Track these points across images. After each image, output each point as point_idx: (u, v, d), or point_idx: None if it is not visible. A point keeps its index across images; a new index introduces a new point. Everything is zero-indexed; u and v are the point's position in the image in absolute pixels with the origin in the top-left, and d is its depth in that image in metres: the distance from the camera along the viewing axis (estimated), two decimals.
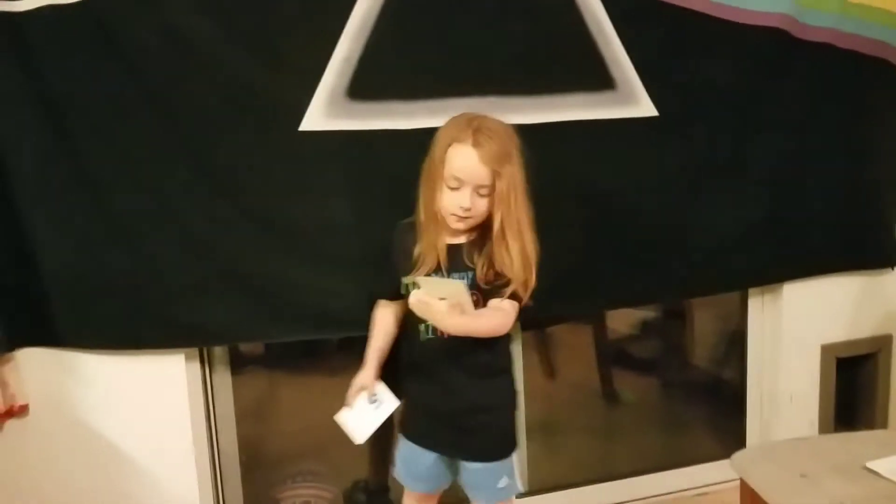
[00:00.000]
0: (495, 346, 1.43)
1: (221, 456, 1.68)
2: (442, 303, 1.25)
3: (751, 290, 2.01)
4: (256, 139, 1.48)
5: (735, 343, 2.10)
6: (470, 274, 1.38)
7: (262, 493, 1.76)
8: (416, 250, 1.39)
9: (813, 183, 1.88)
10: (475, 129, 1.34)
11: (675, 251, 1.78)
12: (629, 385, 2.15)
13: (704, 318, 2.19)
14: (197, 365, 1.60)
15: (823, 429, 2.01)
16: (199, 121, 1.46)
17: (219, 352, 1.66)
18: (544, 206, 1.54)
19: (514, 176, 1.36)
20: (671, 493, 1.99)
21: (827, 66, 1.82)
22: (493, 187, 1.34)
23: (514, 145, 1.37)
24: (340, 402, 1.81)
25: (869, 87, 1.88)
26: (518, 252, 1.36)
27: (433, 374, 1.42)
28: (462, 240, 1.41)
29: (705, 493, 1.98)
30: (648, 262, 1.76)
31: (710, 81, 1.72)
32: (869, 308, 2.04)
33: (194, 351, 1.59)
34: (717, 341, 2.21)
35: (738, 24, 1.71)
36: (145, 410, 1.54)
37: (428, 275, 1.36)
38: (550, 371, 2.02)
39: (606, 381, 2.13)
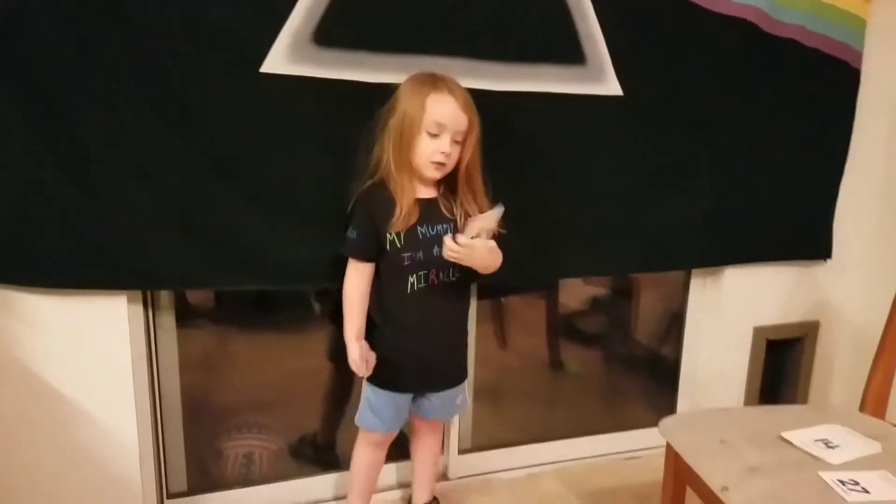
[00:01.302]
0: (466, 291, 1.57)
1: (164, 403, 1.63)
2: (485, 241, 1.39)
3: (694, 272, 2.05)
4: (216, 78, 1.40)
5: (676, 322, 2.15)
6: (452, 224, 1.47)
7: (205, 443, 1.73)
8: (397, 208, 1.42)
9: (762, 174, 1.90)
10: (445, 81, 1.42)
11: (629, 229, 1.80)
12: (575, 357, 2.18)
13: (649, 297, 2.22)
14: (140, 308, 1.53)
15: (749, 404, 2.06)
16: (157, 55, 1.36)
17: (164, 297, 1.59)
18: (504, 174, 1.57)
19: (479, 129, 1.46)
20: (606, 454, 2.04)
21: (790, 62, 1.84)
22: (466, 135, 1.43)
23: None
24: (291, 356, 1.82)
25: (826, 85, 1.91)
26: (482, 198, 1.48)
27: (421, 322, 1.49)
28: (433, 194, 1.49)
29: (638, 457, 2.04)
30: (603, 238, 1.77)
31: (677, 66, 1.73)
32: (800, 295, 2.10)
33: (138, 294, 1.51)
34: (659, 319, 2.24)
35: (713, 12, 1.71)
36: (85, 352, 1.46)
37: (418, 226, 1.43)
38: (502, 340, 2.04)
39: (554, 351, 2.16)
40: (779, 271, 2.05)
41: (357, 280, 1.48)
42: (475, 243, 1.38)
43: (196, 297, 1.72)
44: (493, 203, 1.46)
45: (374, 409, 1.54)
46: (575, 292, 2.16)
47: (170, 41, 1.37)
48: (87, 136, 1.36)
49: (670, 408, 2.16)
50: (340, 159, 1.50)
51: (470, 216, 1.46)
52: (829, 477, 1.10)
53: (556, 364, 2.17)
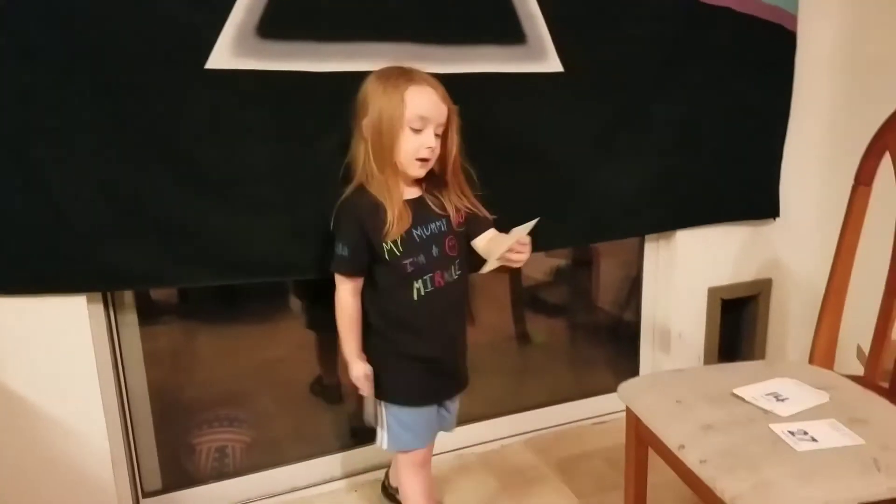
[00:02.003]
0: (467, 286, 1.50)
1: (132, 402, 1.62)
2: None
3: (647, 237, 2.09)
4: (163, 77, 1.38)
5: (636, 287, 2.19)
6: (444, 220, 1.42)
7: (177, 440, 1.72)
8: (388, 214, 1.34)
9: (708, 140, 1.94)
10: (419, 73, 1.38)
11: (581, 201, 1.82)
12: (540, 327, 2.23)
13: (609, 265, 2.27)
14: (101, 308, 1.51)
15: (708, 363, 2.12)
16: (107, 57, 1.34)
17: (126, 295, 1.58)
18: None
19: (457, 117, 1.41)
20: (573, 422, 2.09)
21: (726, 30, 1.86)
22: (446, 127, 1.38)
23: None
24: (259, 348, 1.83)
25: (763, 50, 1.95)
26: (468, 190, 1.45)
27: (434, 326, 1.42)
28: (419, 192, 1.42)
29: (603, 422, 2.09)
30: (556, 212, 1.77)
31: (616, 40, 1.74)
32: (752, 255, 2.15)
33: (97, 294, 1.49)
34: (619, 286, 2.29)
35: None
36: (47, 355, 1.44)
37: (413, 229, 1.37)
38: (470, 317, 2.07)
39: (520, 324, 2.20)
40: (730, 232, 2.10)
41: (352, 298, 1.41)
42: (524, 249, 1.35)
43: (160, 293, 1.71)
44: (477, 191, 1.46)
45: (405, 426, 1.43)
46: (538, 264, 2.18)
47: (113, 40, 1.34)
48: (35, 137, 1.34)
49: (633, 372, 2.20)
50: (293, 150, 1.50)
51: (459, 209, 1.42)
52: (779, 429, 1.15)
53: (522, 336, 2.21)
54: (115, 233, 1.42)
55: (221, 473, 1.75)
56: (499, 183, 1.69)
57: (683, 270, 2.07)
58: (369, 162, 1.36)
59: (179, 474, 1.72)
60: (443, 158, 1.41)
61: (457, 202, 1.43)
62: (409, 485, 1.48)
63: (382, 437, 1.46)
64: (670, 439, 1.20)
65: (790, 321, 2.26)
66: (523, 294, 2.20)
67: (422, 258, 1.38)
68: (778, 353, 2.26)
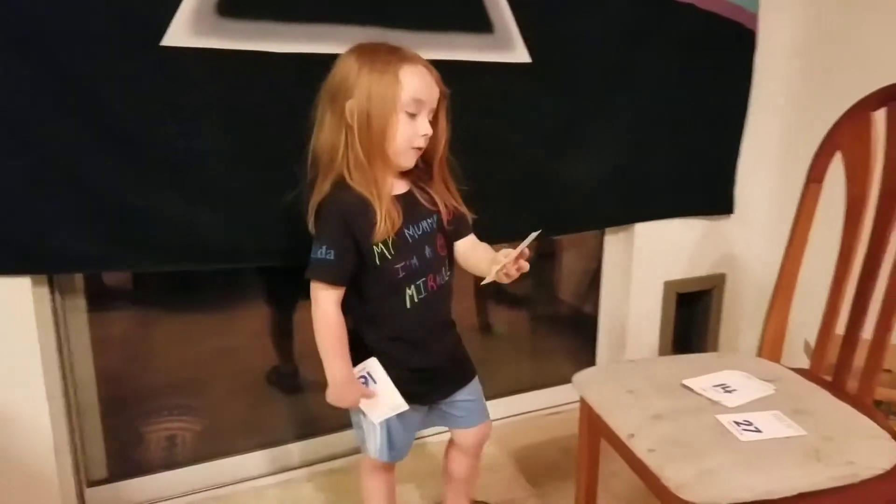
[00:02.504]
0: (452, 285, 1.37)
1: (78, 389, 1.58)
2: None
3: (607, 230, 2.11)
4: (116, 54, 1.33)
5: (596, 280, 2.21)
6: (435, 217, 1.30)
7: (125, 428, 1.69)
8: (378, 212, 1.19)
9: (668, 135, 1.97)
10: (409, 51, 1.23)
11: (543, 193, 1.83)
12: (503, 319, 2.24)
13: (571, 256, 2.29)
14: (46, 291, 1.47)
15: (663, 355, 2.13)
16: (54, 31, 1.29)
17: (74, 279, 1.54)
18: None
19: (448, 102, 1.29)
20: (531, 412, 2.11)
21: (688, 26, 1.89)
22: (436, 112, 1.26)
23: None
24: (212, 336, 1.81)
25: (724, 47, 1.98)
26: (451, 182, 1.34)
27: (426, 334, 1.30)
28: (406, 186, 1.29)
29: (560, 412, 2.11)
30: (521, 203, 1.80)
31: (582, 33, 1.75)
32: (707, 250, 2.19)
33: (42, 278, 1.45)
34: (580, 278, 2.31)
35: None
36: None
37: (405, 229, 1.25)
38: None
39: (482, 315, 2.21)
40: (686, 227, 2.13)
41: (336, 310, 1.22)
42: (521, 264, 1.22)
43: (113, 278, 1.67)
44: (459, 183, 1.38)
45: (388, 437, 1.32)
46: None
47: (60, 14, 1.29)
48: None
49: (591, 363, 2.23)
50: (251, 133, 1.47)
51: (447, 206, 1.31)
52: (725, 419, 1.17)
53: (484, 327, 2.22)
54: (62, 215, 1.37)
55: (170, 462, 1.72)
56: (465, 175, 1.71)
57: (641, 264, 2.09)
58: (353, 152, 1.20)
59: (126, 463, 1.69)
60: (430, 148, 1.27)
61: (445, 197, 1.31)
62: (370, 487, 1.42)
63: (368, 445, 1.34)
64: (621, 429, 1.22)
65: (743, 315, 2.31)
66: (487, 286, 2.20)
67: (415, 261, 1.26)
68: (730, 345, 2.31)
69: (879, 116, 1.31)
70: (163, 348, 1.76)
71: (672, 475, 1.07)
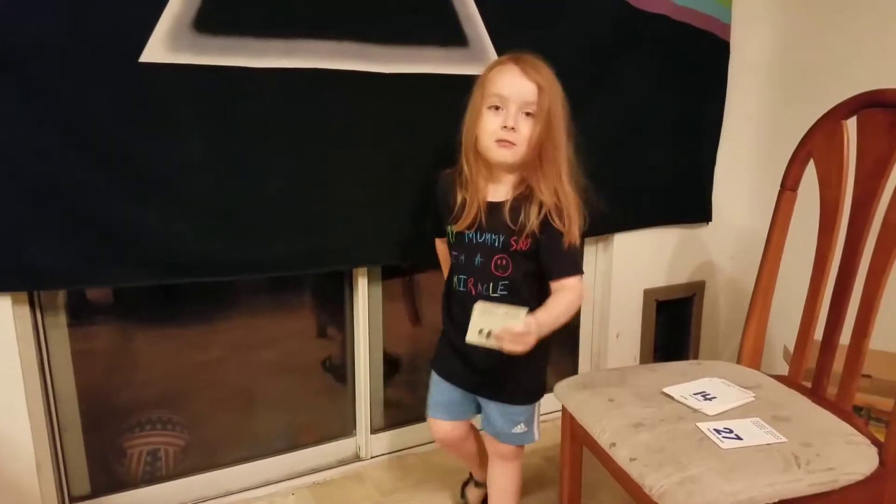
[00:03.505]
0: (523, 301, 1.24)
1: (59, 404, 1.54)
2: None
3: (587, 240, 2.09)
4: (95, 71, 1.31)
5: None
6: (502, 237, 1.29)
7: (108, 443, 1.65)
8: (459, 199, 1.32)
9: (644, 145, 1.95)
10: (517, 55, 1.29)
11: None
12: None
13: None
14: (26, 309, 1.43)
15: (644, 363, 2.13)
16: (34, 49, 1.26)
17: (55, 295, 1.50)
18: (399, 157, 1.60)
19: (560, 105, 1.27)
20: None
21: (661, 36, 1.88)
22: (538, 107, 1.24)
23: (557, 82, 1.29)
24: (195, 349, 1.77)
25: (698, 58, 1.97)
26: (555, 183, 1.26)
27: (459, 319, 1.34)
28: (504, 196, 1.30)
29: (544, 421, 2.07)
30: None
31: (555, 45, 1.70)
32: (686, 258, 2.18)
33: (23, 295, 1.41)
34: None
35: None
36: None
37: (468, 230, 1.30)
38: (415, 317, 2.04)
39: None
40: (664, 236, 2.12)
41: (439, 248, 1.50)
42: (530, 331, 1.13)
43: (93, 292, 1.64)
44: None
45: (432, 389, 1.47)
46: None
47: (40, 32, 1.26)
48: None
49: (573, 371, 2.20)
50: (228, 148, 1.45)
51: (529, 233, 1.26)
52: (705, 427, 1.15)
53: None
54: (42, 231, 1.34)
55: (153, 477, 1.68)
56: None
57: (620, 273, 2.08)
58: (462, 147, 1.33)
59: (109, 478, 1.64)
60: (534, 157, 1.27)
61: (540, 196, 1.26)
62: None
63: None
64: (602, 437, 1.20)
65: (722, 322, 2.30)
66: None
67: (462, 258, 1.35)
68: (711, 352, 2.30)
69: (851, 124, 1.31)
70: (144, 362, 1.72)
71: (653, 483, 1.05)
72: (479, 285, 1.33)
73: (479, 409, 1.46)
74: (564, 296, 1.25)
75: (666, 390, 1.29)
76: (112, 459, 1.66)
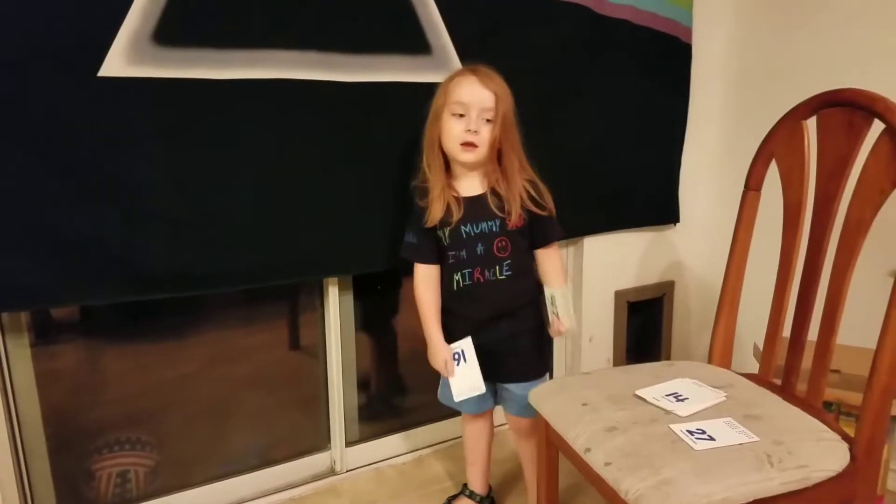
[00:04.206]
0: (523, 286, 1.49)
1: (23, 428, 1.49)
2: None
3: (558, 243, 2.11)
4: (54, 86, 1.28)
5: None
6: (498, 222, 1.43)
7: (75, 465, 1.60)
8: (431, 204, 1.43)
9: (611, 149, 1.96)
10: (473, 67, 1.43)
11: None
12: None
13: None
14: None
15: (618, 365, 2.16)
16: None
17: (16, 315, 1.46)
18: (361, 165, 1.58)
19: (511, 105, 1.42)
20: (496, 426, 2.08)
21: (625, 42, 1.89)
22: (495, 113, 1.39)
23: (508, 89, 1.43)
24: (166, 366, 1.73)
25: (661, 62, 1.99)
26: (516, 180, 1.42)
27: (472, 313, 1.47)
28: (480, 190, 1.45)
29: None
30: None
31: (519, 52, 1.73)
32: (655, 258, 2.19)
33: None
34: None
35: None
36: None
37: (462, 225, 1.43)
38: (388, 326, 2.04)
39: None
40: (634, 237, 2.13)
41: (423, 287, 1.50)
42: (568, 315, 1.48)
43: (58, 310, 1.59)
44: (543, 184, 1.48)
45: (446, 385, 1.53)
46: None
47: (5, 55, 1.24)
48: None
49: (549, 377, 2.19)
50: (194, 161, 1.43)
51: (517, 211, 1.42)
52: (678, 428, 1.15)
53: None
54: (8, 250, 1.30)
55: (123, 500, 1.64)
56: (409, 194, 1.67)
57: (591, 275, 2.08)
58: (424, 155, 1.45)
59: (77, 502, 1.60)
60: (499, 152, 1.43)
61: (516, 204, 1.42)
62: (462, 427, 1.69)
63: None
64: (577, 443, 1.19)
65: (693, 321, 2.32)
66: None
67: (463, 254, 1.45)
68: (683, 350, 2.31)
69: (811, 124, 1.32)
70: (113, 380, 1.68)
71: (629, 488, 1.04)
72: (486, 271, 1.45)
73: (496, 401, 1.60)
74: (554, 261, 1.52)
75: (638, 392, 1.28)
76: (80, 482, 1.62)
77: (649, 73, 1.98)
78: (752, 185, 1.44)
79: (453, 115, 1.40)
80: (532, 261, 1.52)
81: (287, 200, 1.54)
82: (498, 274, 1.45)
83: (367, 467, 1.89)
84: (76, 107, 1.31)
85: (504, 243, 1.45)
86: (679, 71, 2.06)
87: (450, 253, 1.46)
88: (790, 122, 1.36)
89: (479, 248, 1.44)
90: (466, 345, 1.47)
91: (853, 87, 1.24)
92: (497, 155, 1.44)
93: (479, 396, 1.50)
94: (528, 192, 1.43)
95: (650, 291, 2.21)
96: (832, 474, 1.07)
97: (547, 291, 1.51)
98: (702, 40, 2.05)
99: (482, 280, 1.45)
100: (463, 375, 1.48)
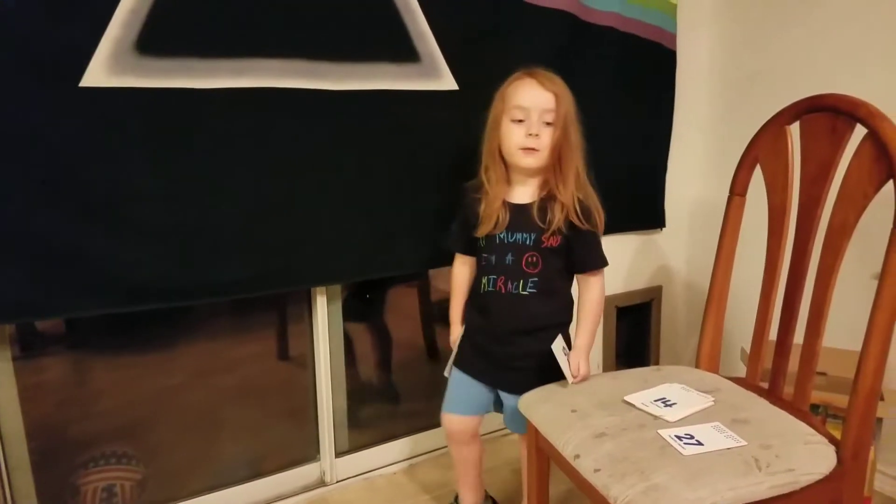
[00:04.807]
0: (547, 307, 1.44)
1: (6, 443, 1.46)
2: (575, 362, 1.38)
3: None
4: (36, 98, 1.27)
5: None
6: (533, 236, 1.40)
7: (61, 481, 1.58)
8: (482, 207, 1.43)
9: (598, 154, 1.97)
10: (530, 70, 1.40)
11: None
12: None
13: None
14: None
15: (607, 370, 2.16)
16: None
17: (2, 328, 1.43)
18: (349, 174, 1.58)
19: (574, 112, 1.40)
20: (483, 434, 2.06)
21: (611, 49, 1.90)
22: (556, 115, 1.37)
23: (567, 87, 1.41)
24: (153, 378, 1.72)
25: (647, 68, 2.00)
26: (571, 185, 1.38)
27: (489, 321, 1.46)
28: (530, 198, 1.42)
29: (511, 434, 2.07)
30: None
31: (507, 59, 1.69)
32: (642, 263, 2.20)
33: None
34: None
35: (532, 5, 1.73)
36: None
37: (498, 231, 1.42)
38: (383, 339, 2.05)
39: (429, 339, 2.16)
40: (621, 242, 2.13)
41: (457, 268, 1.57)
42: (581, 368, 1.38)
43: (43, 322, 1.58)
44: (595, 191, 1.45)
45: (451, 385, 1.55)
46: (448, 276, 2.14)
47: None
48: None
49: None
50: (178, 172, 1.41)
51: (558, 229, 1.38)
52: (667, 433, 1.15)
53: (432, 351, 2.16)
54: None
55: None
56: (397, 202, 1.67)
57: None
58: (482, 160, 1.44)
59: None
60: (554, 160, 1.40)
61: (560, 220, 1.37)
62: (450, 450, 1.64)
63: None
64: (566, 449, 1.19)
65: (681, 325, 2.32)
66: (433, 308, 2.16)
67: (493, 259, 1.44)
68: (671, 355, 2.32)
69: (795, 130, 1.33)
70: (99, 393, 1.67)
71: (618, 494, 1.04)
72: (509, 283, 1.43)
73: (495, 408, 1.57)
74: (589, 303, 1.44)
75: (627, 398, 1.28)
76: (65, 497, 1.60)
77: (635, 79, 1.99)
78: (737, 190, 1.45)
79: (513, 120, 1.38)
80: (566, 284, 1.47)
81: (274, 210, 1.53)
82: (521, 289, 1.42)
83: (357, 477, 1.87)
84: (58, 118, 1.30)
85: (535, 259, 1.41)
86: (664, 77, 2.07)
87: (483, 255, 1.47)
88: (774, 127, 1.37)
89: (509, 258, 1.42)
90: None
91: (836, 92, 1.25)
92: (558, 161, 1.39)
93: (475, 401, 1.50)
94: (577, 203, 1.38)
95: (638, 296, 2.21)
96: (820, 477, 1.07)
97: (559, 341, 1.39)
98: (686, 46, 2.06)
99: (503, 291, 1.43)
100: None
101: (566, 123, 1.38)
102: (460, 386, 1.54)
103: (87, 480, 1.61)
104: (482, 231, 1.43)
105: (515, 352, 1.46)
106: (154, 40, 1.35)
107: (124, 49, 1.33)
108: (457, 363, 1.55)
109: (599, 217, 1.42)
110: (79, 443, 1.63)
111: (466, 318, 1.55)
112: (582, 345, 1.41)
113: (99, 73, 1.31)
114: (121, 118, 1.35)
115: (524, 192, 1.43)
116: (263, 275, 1.55)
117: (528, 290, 1.42)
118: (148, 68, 1.35)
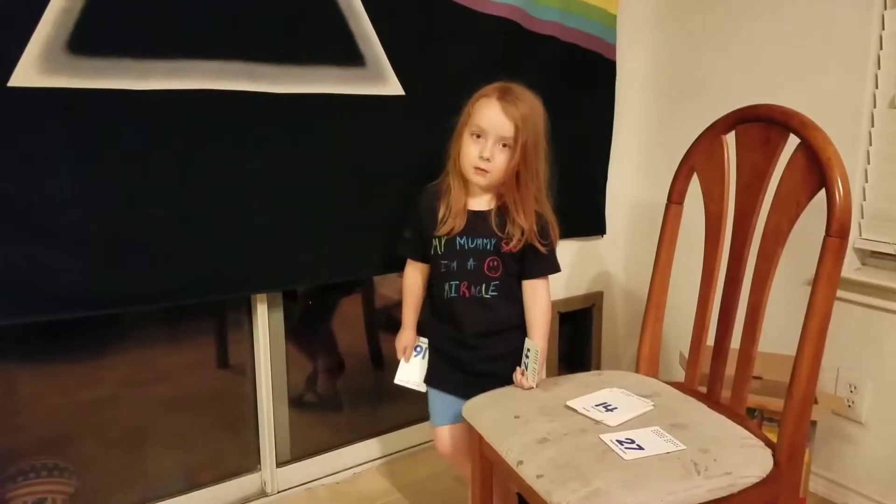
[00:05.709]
0: (509, 309, 1.45)
1: None
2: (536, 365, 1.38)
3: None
4: None
5: None
6: (493, 241, 1.41)
7: None
8: (442, 211, 1.43)
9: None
10: (504, 89, 1.38)
11: None
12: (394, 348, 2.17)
13: None
14: None
15: (550, 376, 2.16)
16: None
17: None
18: (289, 179, 1.54)
19: (537, 138, 1.39)
20: (425, 442, 2.02)
21: (552, 57, 1.91)
22: (515, 142, 1.35)
23: (539, 113, 1.40)
24: (83, 388, 1.64)
25: (587, 77, 2.02)
26: (530, 211, 1.39)
27: (454, 327, 1.46)
28: (486, 206, 1.43)
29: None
30: (400, 231, 1.72)
31: (452, 65, 1.72)
32: (584, 269, 2.21)
33: None
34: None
35: (477, 12, 1.73)
36: None
37: (459, 237, 1.42)
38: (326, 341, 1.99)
39: (373, 345, 2.12)
40: (563, 249, 2.06)
41: (409, 274, 1.56)
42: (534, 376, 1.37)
43: None
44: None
45: (429, 401, 1.55)
46: (392, 283, 2.09)
47: None
48: None
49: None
50: (108, 175, 1.35)
51: (517, 238, 1.38)
52: (608, 438, 1.14)
53: (376, 358, 2.13)
54: None
55: None
56: (342, 207, 1.63)
57: None
58: (449, 163, 1.44)
59: None
60: (508, 179, 1.39)
61: (518, 220, 1.39)
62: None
63: None
64: (510, 456, 1.17)
65: (621, 330, 2.34)
66: (378, 315, 2.13)
67: (454, 265, 1.43)
68: (612, 360, 2.34)
69: (730, 139, 1.35)
70: (26, 403, 1.58)
71: (560, 500, 1.03)
72: (472, 287, 1.43)
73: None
74: (540, 302, 1.45)
75: (569, 403, 1.28)
76: None
77: (576, 88, 2.00)
78: (675, 198, 1.47)
79: (472, 135, 1.38)
80: (521, 287, 1.47)
81: (210, 215, 1.48)
82: (484, 292, 1.43)
83: (299, 487, 1.82)
84: None
85: (496, 263, 1.42)
86: (604, 87, 2.09)
87: (442, 262, 1.45)
88: (710, 136, 1.39)
89: (471, 263, 1.42)
90: (423, 341, 1.56)
91: (770, 102, 1.27)
92: (515, 183, 1.39)
93: (452, 406, 1.46)
94: (536, 227, 1.40)
95: (579, 302, 2.23)
96: (756, 480, 1.08)
97: (527, 342, 1.42)
98: (625, 57, 2.09)
99: (468, 295, 1.43)
100: (413, 365, 1.57)
101: (526, 150, 1.37)
102: (437, 399, 1.54)
103: (16, 494, 1.52)
104: (442, 230, 1.43)
105: (484, 354, 1.46)
106: (87, 39, 1.29)
107: (55, 48, 1.27)
108: (429, 382, 1.54)
109: (555, 234, 1.45)
110: (4, 456, 1.54)
111: (430, 329, 1.54)
112: (543, 349, 1.43)
113: (29, 73, 1.25)
114: (50, 119, 1.29)
115: (481, 201, 1.45)
116: (198, 282, 1.49)
117: (490, 293, 1.43)
118: (80, 68, 1.29)
